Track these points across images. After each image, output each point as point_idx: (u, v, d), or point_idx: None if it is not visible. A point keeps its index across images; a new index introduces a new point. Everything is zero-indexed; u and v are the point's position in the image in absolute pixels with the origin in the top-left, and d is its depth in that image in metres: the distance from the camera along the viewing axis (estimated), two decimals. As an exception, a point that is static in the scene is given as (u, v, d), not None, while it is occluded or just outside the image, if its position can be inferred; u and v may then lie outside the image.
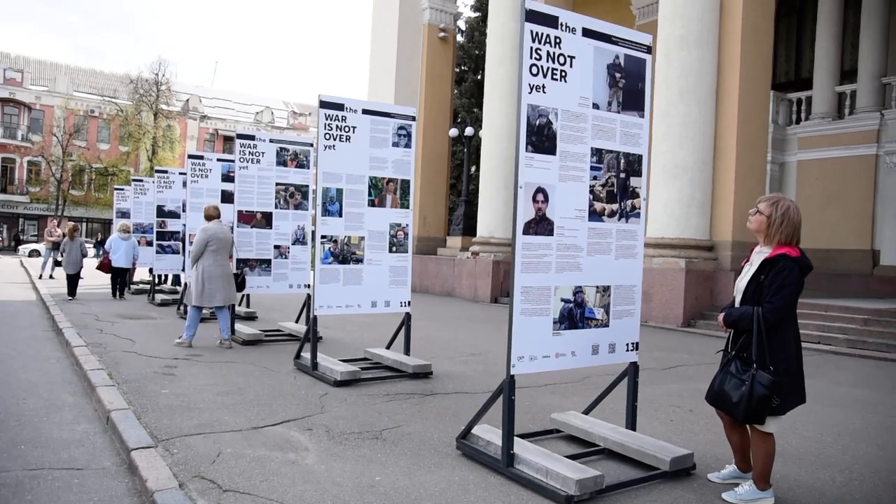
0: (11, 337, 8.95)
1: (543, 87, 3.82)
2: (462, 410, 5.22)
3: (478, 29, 33.12)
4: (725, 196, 12.53)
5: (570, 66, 3.93)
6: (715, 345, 9.96)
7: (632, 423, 4.46)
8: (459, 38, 30.36)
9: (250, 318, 10.62)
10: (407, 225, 6.87)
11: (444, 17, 21.57)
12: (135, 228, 15.38)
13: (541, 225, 3.88)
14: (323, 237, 6.34)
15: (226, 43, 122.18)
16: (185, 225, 12.63)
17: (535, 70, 3.78)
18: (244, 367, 6.74)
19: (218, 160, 10.73)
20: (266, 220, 8.60)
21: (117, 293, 13.90)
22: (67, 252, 14.07)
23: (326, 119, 6.30)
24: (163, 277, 14.63)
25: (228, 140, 55.57)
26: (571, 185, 4.00)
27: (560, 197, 3.94)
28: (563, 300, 4.01)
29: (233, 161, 10.49)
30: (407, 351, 6.96)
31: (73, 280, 13.85)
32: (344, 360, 6.77)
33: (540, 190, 3.86)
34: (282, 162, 8.69)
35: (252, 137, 8.49)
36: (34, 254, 37.42)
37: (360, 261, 6.57)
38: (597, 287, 4.18)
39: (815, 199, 17.86)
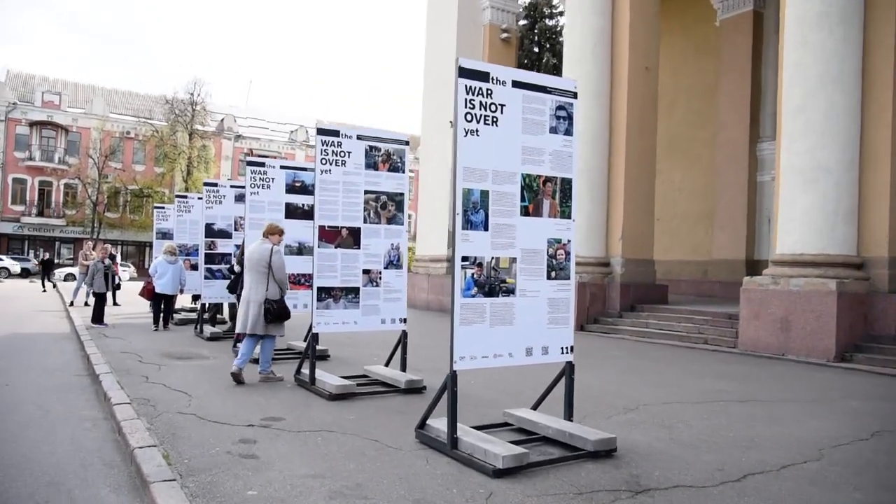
0: (39, 384, 7.23)
1: None
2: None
3: (527, 37, 31.46)
4: (877, 202, 10.45)
5: None
6: (889, 385, 7.96)
7: (569, 415, 4.96)
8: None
9: (321, 357, 8.78)
10: (569, 241, 4.97)
11: (506, 17, 19.85)
12: (178, 250, 13.74)
13: None
14: (465, 260, 4.47)
15: (259, 62, 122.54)
16: (236, 246, 10.95)
17: None
18: (349, 441, 4.86)
19: (281, 167, 8.98)
20: (353, 238, 6.79)
21: (160, 323, 12.24)
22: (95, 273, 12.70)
23: (467, 93, 4.47)
24: (209, 307, 12.84)
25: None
26: None
27: None
28: None
29: (297, 169, 8.83)
30: (569, 415, 5.04)
31: (98, 302, 12.55)
32: (487, 428, 4.90)
33: None
34: (372, 164, 6.89)
35: (336, 133, 6.71)
36: (70, 278, 36.35)
37: (510, 292, 4.68)
38: None
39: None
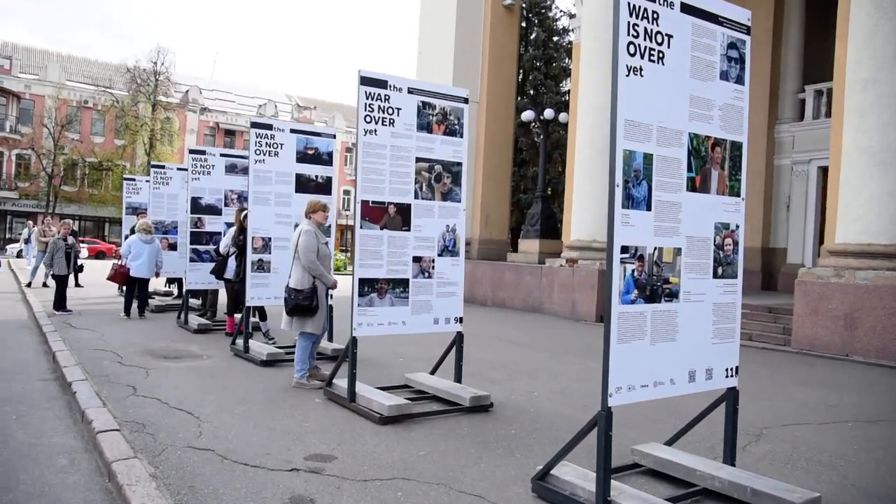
0: (-7, 396, 5.72)
1: None
2: None
3: None
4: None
5: None
6: None
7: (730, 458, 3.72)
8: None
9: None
10: (738, 227, 3.68)
11: (509, -18, 18.39)
12: (154, 228, 12.12)
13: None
14: (624, 251, 3.15)
15: (225, 34, 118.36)
16: (227, 224, 9.47)
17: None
18: (442, 498, 3.52)
19: (292, 131, 7.50)
20: (402, 218, 5.40)
21: (131, 310, 10.68)
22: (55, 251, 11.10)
23: (631, 14, 3.12)
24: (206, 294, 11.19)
25: (230, 134, 52.29)
26: None
27: None
28: None
29: (311, 134, 7.42)
30: (731, 459, 3.77)
31: (60, 285, 11.05)
32: (620, 472, 3.61)
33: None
34: (425, 125, 5.49)
35: (383, 84, 5.28)
36: (22, 254, 34.00)
37: (673, 295, 3.38)
38: None
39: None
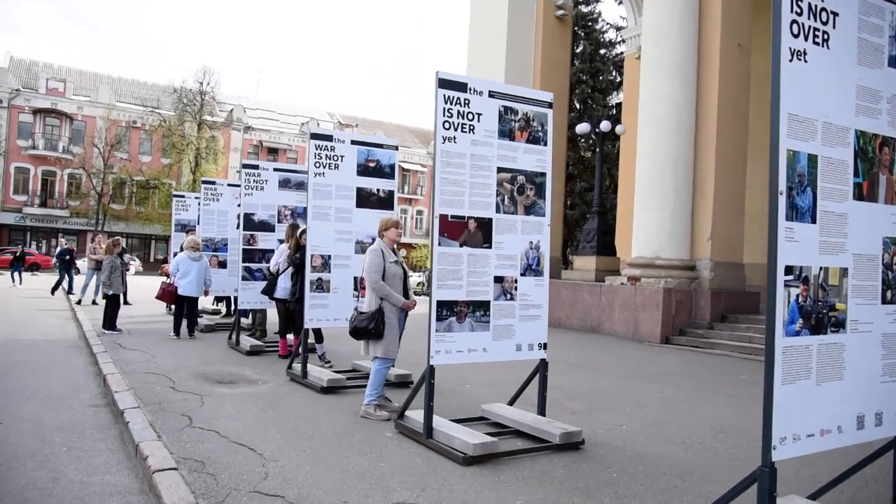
0: (42, 421, 5.37)
1: None
2: None
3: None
4: None
5: None
6: None
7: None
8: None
9: (403, 382, 6.92)
10: (908, 242, 3.09)
11: (561, -9, 17.93)
12: (204, 245, 11.88)
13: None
14: (789, 271, 2.59)
15: (268, 54, 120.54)
16: (279, 241, 9.12)
17: None
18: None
19: (353, 142, 7.10)
20: (483, 233, 4.91)
21: (183, 330, 10.38)
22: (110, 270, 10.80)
23: (794, -15, 2.59)
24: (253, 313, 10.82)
25: (273, 152, 52.72)
26: None
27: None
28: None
29: (371, 145, 7.02)
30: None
31: (113, 304, 10.76)
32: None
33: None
34: (507, 132, 5.01)
35: (463, 87, 4.82)
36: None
37: (840, 324, 2.80)
38: None
39: None
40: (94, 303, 15.53)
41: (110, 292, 10.78)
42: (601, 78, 30.37)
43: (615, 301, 13.25)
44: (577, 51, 30.28)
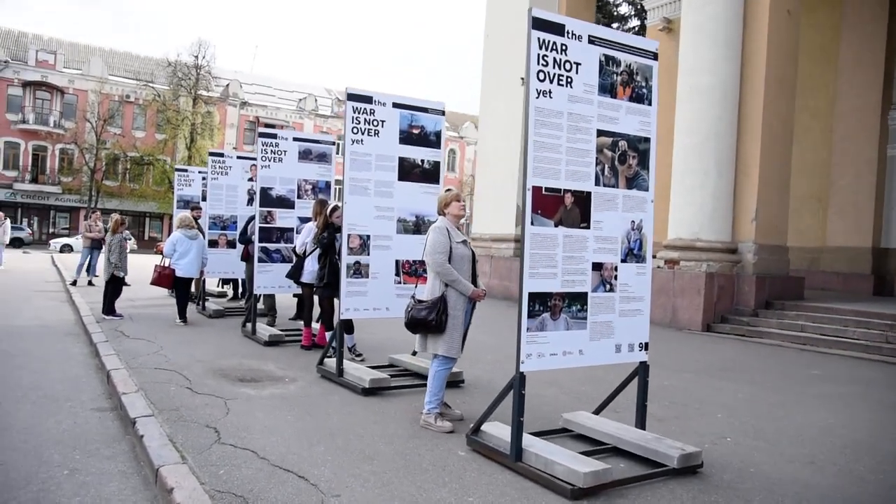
0: (38, 431, 4.49)
1: None
2: None
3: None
4: None
5: None
6: None
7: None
8: None
9: (453, 381, 6.04)
10: None
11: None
12: (211, 223, 10.93)
13: None
14: None
15: (265, 27, 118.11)
16: (300, 219, 8.18)
17: None
18: None
19: (395, 105, 6.14)
20: (580, 210, 4.00)
21: (192, 315, 9.46)
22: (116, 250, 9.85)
23: None
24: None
25: (269, 128, 51.27)
26: None
27: None
28: None
29: (415, 109, 6.09)
30: None
31: (116, 288, 9.87)
32: None
33: None
34: (608, 87, 4.08)
35: (560, 29, 3.87)
36: (66, 249, 33.49)
37: None
38: None
39: None
40: (89, 283, 14.59)
41: (122, 275, 9.87)
42: (615, 53, 29.35)
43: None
44: (614, 8, 29.34)
